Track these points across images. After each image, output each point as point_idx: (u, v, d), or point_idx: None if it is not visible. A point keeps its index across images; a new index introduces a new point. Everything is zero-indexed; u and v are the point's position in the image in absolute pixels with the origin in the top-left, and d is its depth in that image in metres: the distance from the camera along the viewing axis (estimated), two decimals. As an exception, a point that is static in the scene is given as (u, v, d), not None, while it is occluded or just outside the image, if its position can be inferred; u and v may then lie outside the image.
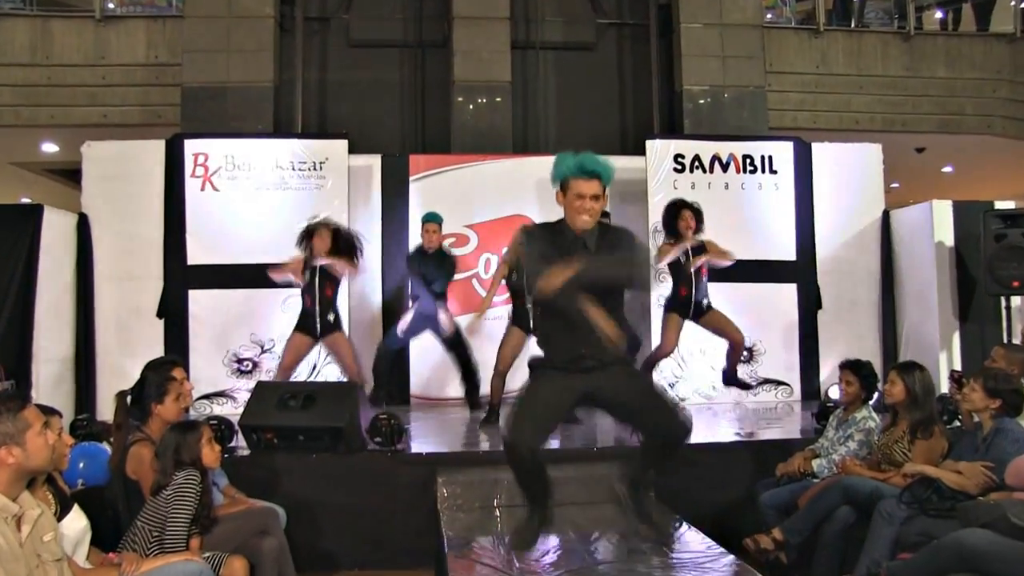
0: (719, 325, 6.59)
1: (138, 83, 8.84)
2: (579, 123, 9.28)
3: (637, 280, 3.48)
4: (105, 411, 6.17)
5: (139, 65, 8.85)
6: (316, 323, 6.28)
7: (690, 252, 6.42)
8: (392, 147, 8.90)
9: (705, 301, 6.51)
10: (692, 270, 6.41)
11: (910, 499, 3.91)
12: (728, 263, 6.50)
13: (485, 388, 6.79)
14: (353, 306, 7.70)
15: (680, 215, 6.42)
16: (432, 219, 6.87)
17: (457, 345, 7.05)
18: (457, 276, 7.46)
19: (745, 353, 7.83)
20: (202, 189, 7.49)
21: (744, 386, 7.06)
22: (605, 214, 6.93)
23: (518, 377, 7.18)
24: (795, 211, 8.07)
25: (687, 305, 6.46)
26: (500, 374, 6.38)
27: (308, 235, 6.36)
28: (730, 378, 6.85)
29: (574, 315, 3.26)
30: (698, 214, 6.48)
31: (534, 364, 3.60)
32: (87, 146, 7.51)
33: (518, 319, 6.38)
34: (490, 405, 6.44)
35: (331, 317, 6.33)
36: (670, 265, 6.46)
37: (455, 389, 7.54)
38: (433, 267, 6.81)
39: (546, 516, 3.61)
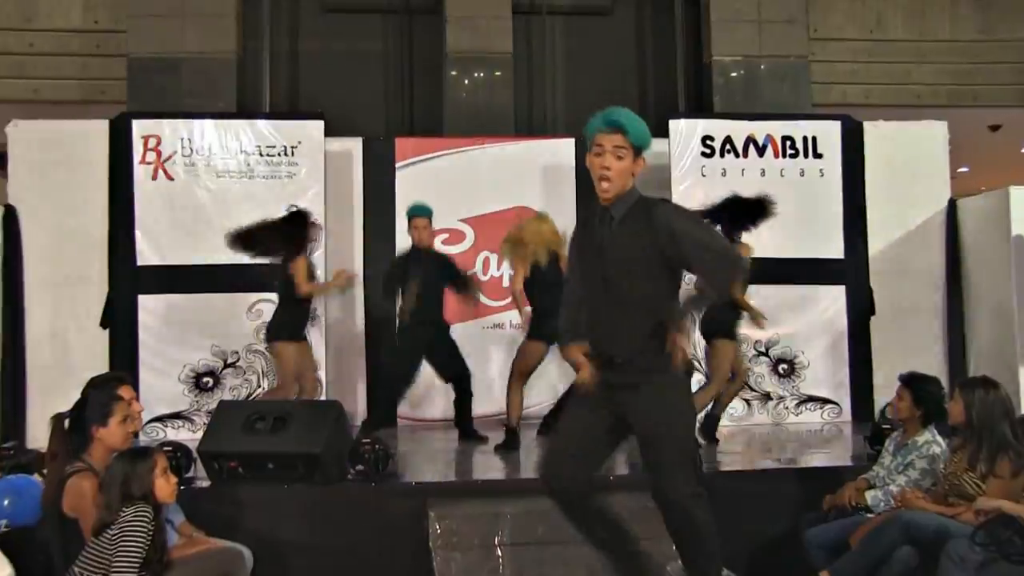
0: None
1: (75, 52, 8.85)
2: (592, 101, 9.18)
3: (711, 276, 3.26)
4: (38, 437, 6.16)
5: (75, 31, 8.86)
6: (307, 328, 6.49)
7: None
8: (375, 129, 8.91)
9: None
10: None
11: (986, 540, 3.87)
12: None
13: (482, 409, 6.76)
14: (332, 316, 7.72)
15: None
16: (420, 212, 6.81)
17: (456, 362, 6.92)
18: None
19: (784, 366, 7.83)
20: (153, 178, 7.49)
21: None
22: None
23: (538, 389, 7.18)
24: (843, 201, 8.08)
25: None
26: (516, 386, 6.33)
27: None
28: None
29: (598, 302, 3.28)
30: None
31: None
32: (13, 125, 7.51)
33: (537, 329, 6.30)
34: (507, 427, 6.35)
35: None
36: None
37: (451, 408, 7.54)
38: (435, 270, 6.73)
39: (638, 566, 3.44)
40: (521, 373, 6.33)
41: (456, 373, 6.81)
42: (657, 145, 7.92)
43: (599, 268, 3.29)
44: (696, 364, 7.39)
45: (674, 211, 3.35)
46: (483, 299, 7.99)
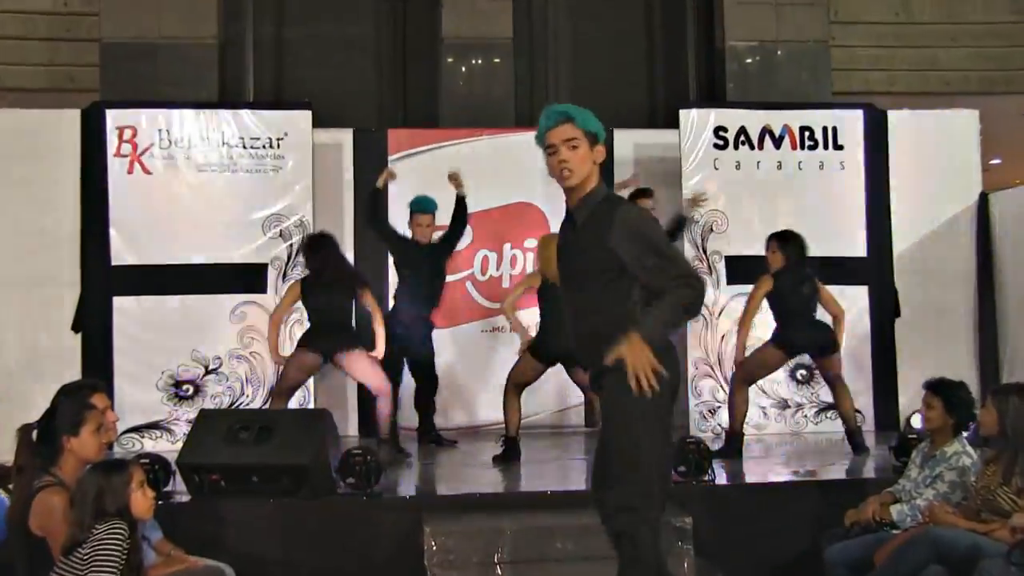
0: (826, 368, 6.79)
1: (42, 36, 8.83)
2: (597, 89, 9.29)
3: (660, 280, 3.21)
4: (3, 450, 6.14)
5: (43, 13, 8.85)
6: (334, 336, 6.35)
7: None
8: (367, 120, 8.92)
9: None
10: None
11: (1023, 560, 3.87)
12: None
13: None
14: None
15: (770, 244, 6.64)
16: (424, 208, 6.88)
17: (428, 371, 7.05)
18: (449, 278, 7.45)
19: (803, 372, 7.82)
20: (129, 172, 7.48)
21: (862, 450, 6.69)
22: (645, 191, 7.23)
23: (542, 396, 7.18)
24: (866, 196, 8.09)
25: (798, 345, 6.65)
26: (512, 396, 6.32)
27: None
28: (851, 435, 6.68)
29: (566, 306, 3.44)
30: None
31: None
32: (-25, 115, 7.54)
33: (540, 343, 6.27)
34: (506, 437, 6.37)
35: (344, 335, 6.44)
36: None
37: (446, 417, 7.54)
38: (428, 264, 6.78)
39: None
40: (516, 384, 6.36)
41: (425, 366, 7.01)
42: (667, 137, 8.17)
43: (563, 272, 3.41)
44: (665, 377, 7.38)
45: (639, 214, 3.37)
46: (482, 301, 8.01)
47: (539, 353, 6.24)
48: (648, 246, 3.21)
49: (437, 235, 7.08)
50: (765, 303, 6.59)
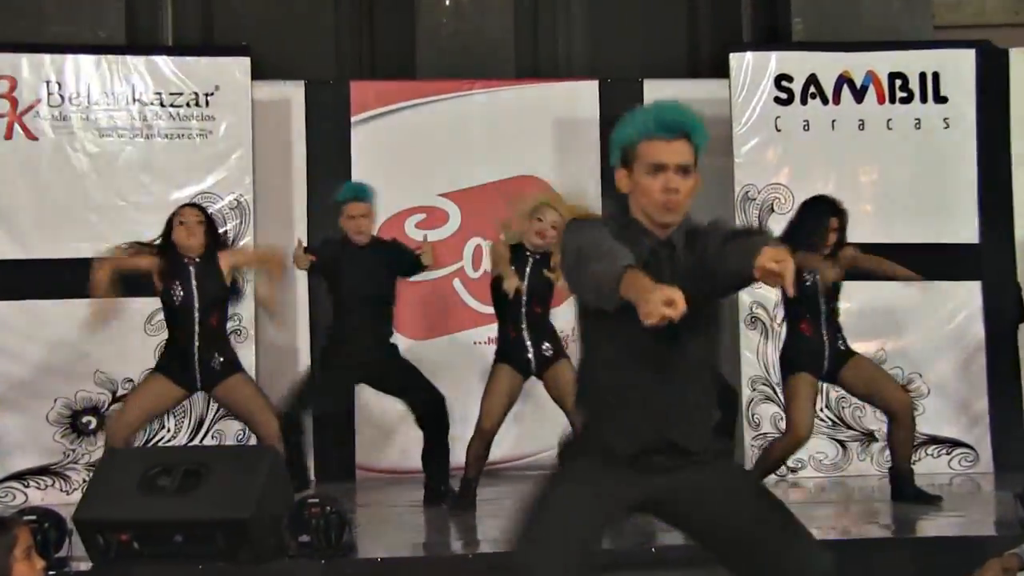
0: (864, 384, 6.67)
1: None
2: (623, 26, 9.29)
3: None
4: None
5: None
6: (195, 368, 6.31)
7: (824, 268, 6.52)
8: (322, 70, 8.91)
9: (842, 343, 6.65)
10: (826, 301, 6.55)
11: None
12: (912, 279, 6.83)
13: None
14: (269, 333, 7.72)
15: (827, 223, 6.56)
16: (357, 195, 6.88)
17: (418, 386, 6.98)
18: (426, 276, 7.44)
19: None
20: (7, 136, 7.49)
21: (927, 499, 6.68)
22: None
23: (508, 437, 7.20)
24: (979, 163, 8.07)
25: (820, 355, 6.54)
26: (483, 435, 6.51)
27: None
28: (903, 482, 6.72)
29: (673, 364, 3.25)
30: (844, 219, 6.65)
31: (569, 449, 3.56)
32: None
33: (509, 351, 6.49)
34: (464, 480, 6.51)
35: (220, 359, 6.37)
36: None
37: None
38: (367, 269, 6.77)
39: None
40: (490, 413, 6.53)
41: (422, 400, 6.87)
42: (713, 89, 8.15)
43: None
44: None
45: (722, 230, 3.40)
46: (474, 304, 7.99)
47: (513, 359, 6.48)
48: (730, 232, 3.29)
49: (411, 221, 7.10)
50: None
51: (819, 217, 6.55)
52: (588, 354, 3.43)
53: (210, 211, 7.46)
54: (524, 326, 6.48)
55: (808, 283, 6.45)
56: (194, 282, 6.28)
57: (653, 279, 3.00)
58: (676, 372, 3.27)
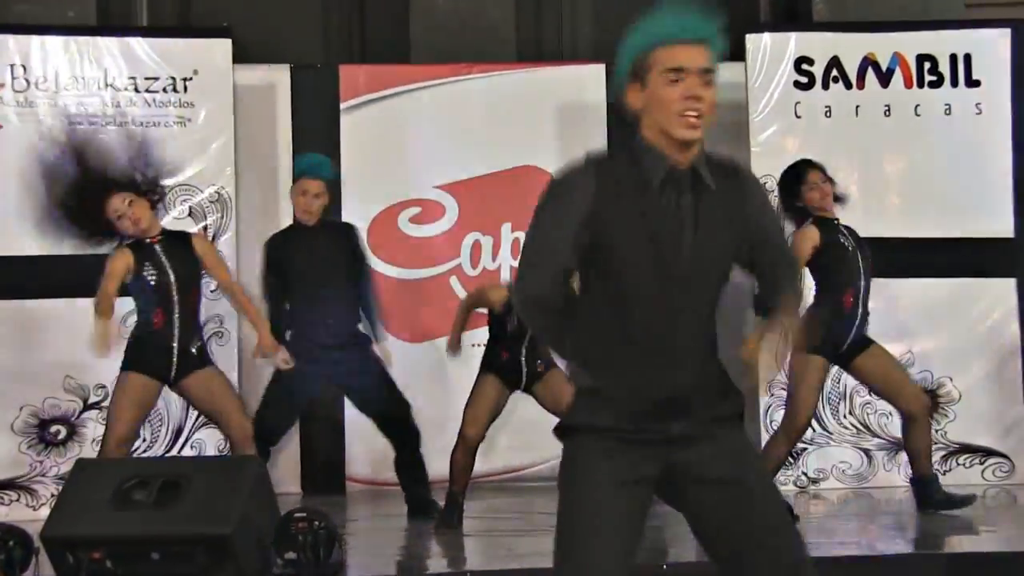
0: (882, 376, 6.66)
1: None
2: (632, 5, 9.23)
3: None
4: None
5: None
6: (173, 353, 6.33)
7: (844, 238, 6.54)
8: (310, 53, 8.92)
9: (862, 330, 6.63)
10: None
11: None
12: None
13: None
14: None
15: (805, 180, 6.56)
16: (309, 170, 6.82)
17: (389, 407, 6.97)
18: (422, 274, 7.44)
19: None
20: (-31, 124, 7.51)
21: (958, 502, 6.65)
22: None
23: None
24: (1014, 152, 8.05)
25: (836, 338, 6.53)
26: (468, 444, 6.52)
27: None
28: (929, 488, 6.68)
29: (670, 324, 3.15)
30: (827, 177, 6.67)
31: (570, 426, 3.52)
32: None
33: (500, 366, 6.52)
34: (449, 495, 6.51)
35: (198, 343, 6.40)
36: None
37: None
38: (319, 254, 6.74)
39: None
40: (474, 421, 6.56)
41: (384, 412, 6.88)
42: (728, 73, 8.03)
43: (668, 262, 3.22)
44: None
45: (762, 187, 3.38)
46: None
47: (499, 369, 6.50)
48: (776, 216, 3.27)
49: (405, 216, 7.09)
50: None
51: (797, 176, 6.60)
52: (583, 317, 3.28)
53: (188, 205, 7.54)
54: (522, 349, 6.49)
55: (847, 244, 6.52)
56: (165, 260, 6.28)
57: (671, 216, 3.09)
58: (678, 327, 3.17)
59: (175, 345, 6.29)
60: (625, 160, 3.18)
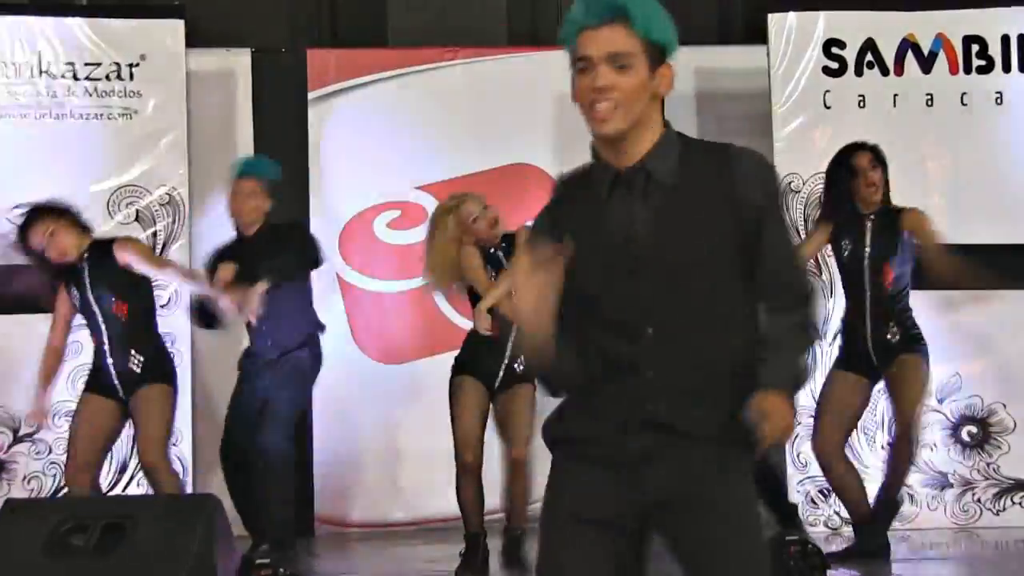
0: (897, 384, 6.77)
1: None
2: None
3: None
4: None
5: None
6: (111, 371, 6.44)
7: (870, 232, 6.57)
8: (273, 36, 8.96)
9: (894, 335, 6.71)
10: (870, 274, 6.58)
11: None
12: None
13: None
14: (203, 347, 7.80)
15: (855, 168, 6.62)
16: (251, 170, 6.90)
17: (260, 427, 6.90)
18: (402, 287, 7.47)
19: (972, 430, 7.83)
20: None
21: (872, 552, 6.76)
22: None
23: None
24: (1074, 146, 8.09)
25: (865, 346, 6.62)
26: (469, 470, 6.55)
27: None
28: (886, 501, 6.85)
29: (632, 331, 3.15)
30: (882, 162, 6.71)
31: (556, 438, 3.55)
32: None
33: (475, 361, 6.60)
34: (467, 537, 6.54)
35: (139, 358, 6.49)
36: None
37: (400, 508, 7.58)
38: (250, 262, 6.67)
39: None
40: (466, 440, 6.61)
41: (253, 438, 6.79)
42: (749, 57, 8.16)
43: (625, 272, 3.18)
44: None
45: (768, 166, 3.27)
46: (459, 320, 8.01)
47: (477, 370, 6.61)
48: (780, 207, 3.22)
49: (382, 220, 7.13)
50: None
51: (843, 163, 6.68)
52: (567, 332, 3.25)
53: (135, 208, 7.56)
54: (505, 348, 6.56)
55: (847, 251, 6.61)
56: (86, 277, 6.42)
57: (623, 224, 3.10)
58: (650, 341, 3.14)
59: (110, 361, 6.44)
60: (582, 171, 3.23)
